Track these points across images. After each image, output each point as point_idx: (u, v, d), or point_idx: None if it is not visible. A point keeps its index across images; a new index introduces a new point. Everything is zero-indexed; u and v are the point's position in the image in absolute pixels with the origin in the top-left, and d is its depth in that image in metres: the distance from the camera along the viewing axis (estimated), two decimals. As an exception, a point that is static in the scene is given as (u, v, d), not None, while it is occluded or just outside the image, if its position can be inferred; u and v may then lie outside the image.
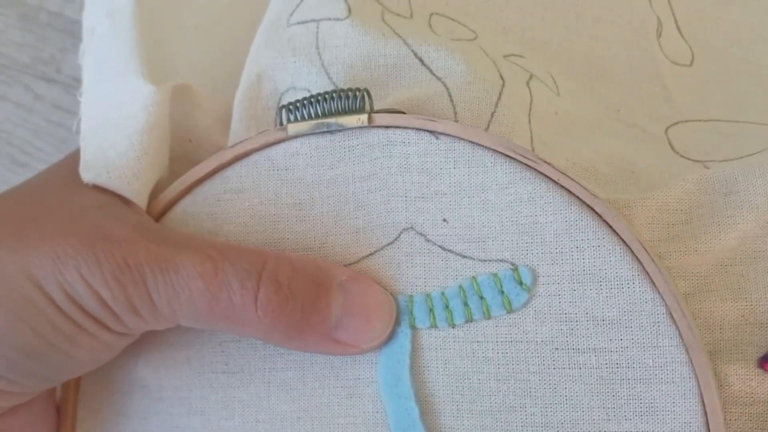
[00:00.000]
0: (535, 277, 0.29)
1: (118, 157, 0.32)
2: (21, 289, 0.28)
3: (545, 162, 0.29)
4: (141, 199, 0.33)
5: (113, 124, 0.33)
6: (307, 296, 0.29)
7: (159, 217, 0.34)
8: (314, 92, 0.32)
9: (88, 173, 0.32)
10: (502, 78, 0.33)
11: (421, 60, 0.34)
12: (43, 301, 0.28)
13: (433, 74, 0.33)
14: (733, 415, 0.29)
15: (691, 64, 0.42)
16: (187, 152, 0.36)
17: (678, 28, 0.43)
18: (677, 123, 0.38)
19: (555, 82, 0.37)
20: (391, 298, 0.30)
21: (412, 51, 0.34)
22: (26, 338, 0.28)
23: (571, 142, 0.34)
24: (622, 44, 0.41)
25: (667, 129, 0.37)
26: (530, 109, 0.33)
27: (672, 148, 0.36)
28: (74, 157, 0.33)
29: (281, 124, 0.32)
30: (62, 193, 0.32)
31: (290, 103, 0.32)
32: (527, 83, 0.35)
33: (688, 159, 0.34)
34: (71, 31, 0.45)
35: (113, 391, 0.33)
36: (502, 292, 0.30)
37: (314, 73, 0.34)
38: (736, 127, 0.37)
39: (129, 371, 0.33)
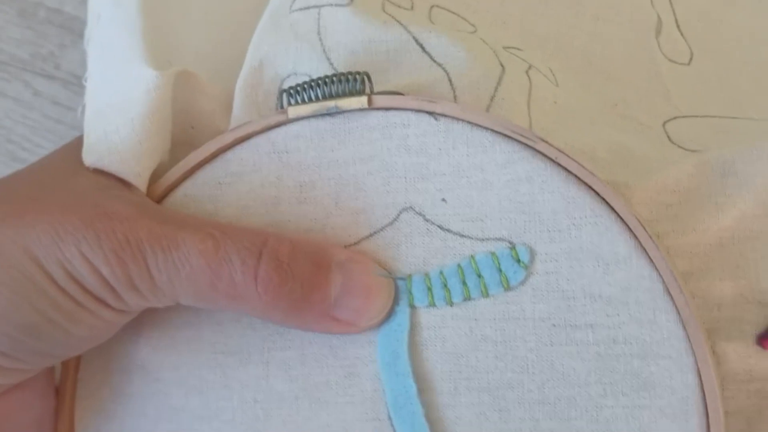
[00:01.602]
0: (532, 255, 0.30)
1: (120, 141, 0.33)
2: (20, 266, 0.28)
3: (543, 141, 0.30)
4: (141, 182, 0.33)
5: (116, 109, 0.33)
6: (306, 274, 0.29)
7: (160, 200, 0.34)
8: (315, 77, 0.33)
9: (90, 157, 0.33)
10: (501, 65, 0.34)
11: (422, 46, 0.34)
12: (43, 279, 0.28)
13: (434, 60, 0.34)
14: (732, 392, 0.29)
15: (689, 63, 0.42)
16: (190, 138, 0.37)
17: (678, 27, 0.43)
18: (675, 118, 0.38)
19: (554, 75, 0.38)
20: (390, 278, 0.31)
21: (413, 37, 0.34)
22: (26, 315, 0.28)
23: (570, 129, 0.34)
24: (620, 42, 0.42)
25: (664, 123, 0.38)
26: (529, 96, 0.34)
27: (669, 139, 0.36)
28: (76, 143, 0.34)
29: (282, 107, 0.33)
30: (63, 176, 0.32)
31: (291, 87, 0.32)
32: (526, 72, 0.35)
33: (685, 149, 0.35)
34: (70, 28, 0.46)
35: (112, 371, 0.33)
36: (500, 271, 0.30)
37: (315, 59, 0.35)
38: (735, 123, 0.37)
39: (128, 351, 0.33)
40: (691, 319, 0.28)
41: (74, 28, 0.45)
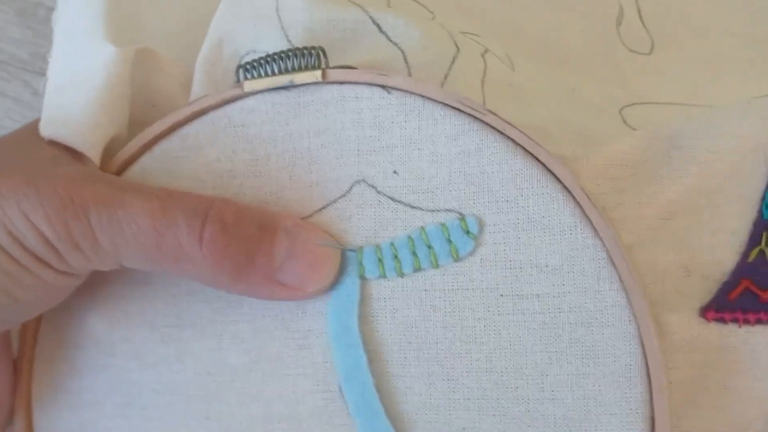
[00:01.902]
0: (481, 226, 0.30)
1: (75, 113, 0.33)
2: None
3: (492, 113, 0.30)
4: (95, 153, 0.33)
5: (75, 84, 0.34)
6: (251, 237, 0.30)
7: (117, 174, 0.34)
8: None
9: (46, 129, 0.33)
10: (457, 46, 0.34)
11: (378, 26, 0.34)
12: None
13: (390, 40, 0.34)
14: (676, 363, 0.30)
15: (650, 53, 0.43)
16: (151, 117, 0.37)
17: (641, 17, 0.44)
18: (632, 104, 0.39)
19: (510, 61, 0.38)
20: (338, 247, 0.31)
21: (371, 17, 0.35)
22: None
23: (523, 108, 0.34)
24: (579, 31, 0.42)
25: (621, 109, 0.38)
26: (484, 77, 0.34)
27: (625, 122, 0.37)
28: (36, 121, 0.34)
29: (238, 82, 0.33)
30: (18, 149, 0.33)
31: (247, 63, 0.33)
32: (482, 55, 0.36)
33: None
34: None
35: (68, 346, 0.33)
36: (450, 241, 0.30)
37: (274, 37, 0.35)
38: (691, 110, 0.37)
39: (82, 325, 0.33)
40: (634, 288, 0.28)
41: None
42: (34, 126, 0.34)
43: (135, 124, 0.36)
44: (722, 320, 0.30)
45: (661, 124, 0.34)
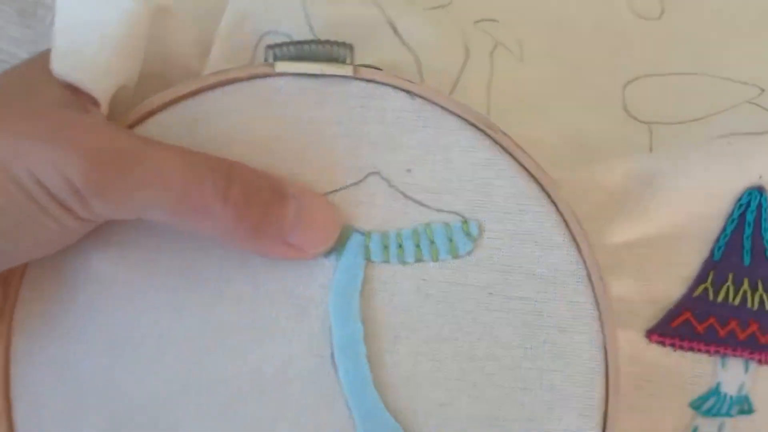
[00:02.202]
0: (481, 231, 0.34)
1: (89, 54, 0.33)
2: None
3: (504, 134, 0.34)
4: (104, 98, 0.34)
5: (90, 26, 0.34)
6: (268, 199, 0.32)
7: (131, 126, 0.35)
8: (294, 39, 0.36)
9: (58, 64, 0.33)
10: (467, 50, 0.38)
11: (394, 29, 0.38)
12: (9, 184, 0.29)
13: (404, 43, 0.38)
14: (619, 372, 0.35)
15: (660, 17, 0.46)
16: (161, 72, 0.38)
17: None
18: (636, 79, 0.43)
19: (521, 47, 0.42)
20: (336, 211, 0.34)
21: (388, 20, 0.38)
22: None
23: (526, 112, 0.38)
24: (591, 1, 0.45)
25: (625, 85, 0.42)
26: (490, 81, 0.38)
27: (624, 108, 0.41)
28: (44, 54, 0.34)
29: (266, 61, 0.35)
30: (27, 86, 0.33)
31: (278, 44, 0.35)
32: (490, 54, 0.39)
33: (637, 120, 0.40)
34: None
35: (64, 280, 0.34)
36: (451, 240, 0.34)
37: (297, 22, 0.37)
38: (694, 79, 0.41)
39: (84, 262, 0.34)
40: (605, 305, 0.33)
41: None
42: (40, 62, 0.34)
43: (144, 77, 0.37)
44: (662, 343, 0.35)
45: (659, 108, 0.39)
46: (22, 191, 0.29)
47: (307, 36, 0.37)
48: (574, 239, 0.34)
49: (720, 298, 0.36)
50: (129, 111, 0.35)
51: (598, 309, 0.33)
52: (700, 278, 0.36)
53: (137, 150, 0.30)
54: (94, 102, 0.34)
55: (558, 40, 0.43)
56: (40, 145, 0.29)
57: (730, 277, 0.36)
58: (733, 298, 0.36)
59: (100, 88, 0.34)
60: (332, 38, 0.36)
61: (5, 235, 0.30)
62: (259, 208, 0.32)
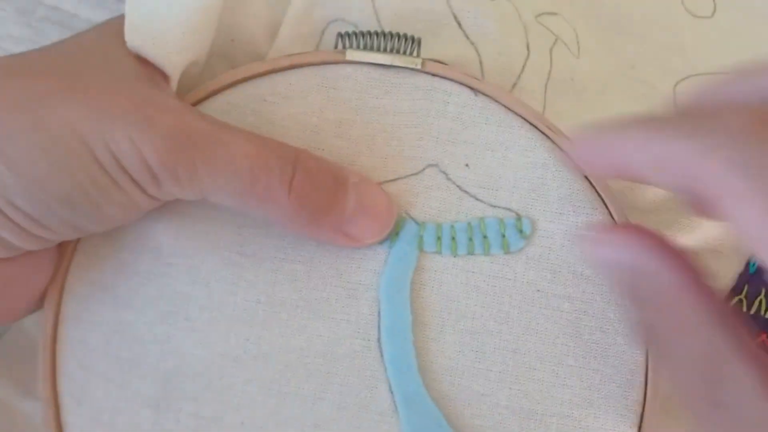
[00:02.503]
0: (534, 229, 0.35)
1: (163, 29, 0.34)
2: (66, 140, 0.29)
3: (565, 137, 0.35)
4: (175, 74, 0.35)
5: (163, 1, 0.35)
6: (330, 188, 0.33)
7: (200, 101, 0.36)
8: (361, 29, 0.36)
9: (131, 35, 0.34)
10: (528, 48, 0.39)
11: (459, 23, 0.39)
12: (87, 155, 0.29)
13: (468, 38, 0.38)
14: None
15: (712, 15, 0.46)
16: (228, 51, 0.39)
17: None
18: (687, 77, 0.44)
19: (578, 42, 0.42)
20: (393, 203, 0.35)
21: (453, 13, 0.39)
22: (65, 186, 0.30)
23: (580, 109, 0.39)
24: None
25: (676, 84, 0.43)
26: (548, 79, 0.39)
27: (676, 106, 0.42)
28: (115, 24, 0.35)
29: (337, 47, 0.36)
30: (104, 57, 0.34)
31: (350, 32, 0.36)
32: (550, 50, 0.40)
33: None
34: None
35: (121, 248, 0.35)
36: (504, 236, 0.35)
37: (365, 12, 0.38)
38: None
39: (144, 232, 0.35)
40: None
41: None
42: (111, 30, 0.34)
43: (211, 55, 0.38)
44: (699, 350, 0.36)
45: None
46: (98, 164, 0.30)
47: (373, 25, 0.38)
48: None
49: (753, 311, 0.37)
50: (196, 87, 0.36)
51: None
52: (736, 290, 0.37)
53: (212, 134, 0.31)
54: (165, 77, 0.35)
55: (612, 35, 0.44)
56: (119, 121, 0.29)
57: (763, 290, 0.37)
58: (765, 311, 0.37)
59: (172, 63, 0.34)
60: (398, 29, 0.37)
61: (75, 204, 0.30)
62: (321, 196, 0.33)
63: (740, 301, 0.37)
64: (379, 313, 0.35)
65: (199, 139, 0.31)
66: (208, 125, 0.31)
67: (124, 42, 0.34)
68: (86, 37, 0.35)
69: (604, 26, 0.44)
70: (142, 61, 0.34)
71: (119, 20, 0.34)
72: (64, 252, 0.35)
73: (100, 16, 0.44)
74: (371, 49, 0.36)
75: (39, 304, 0.36)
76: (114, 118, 0.30)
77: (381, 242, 0.35)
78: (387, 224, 0.35)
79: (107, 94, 0.30)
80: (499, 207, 0.35)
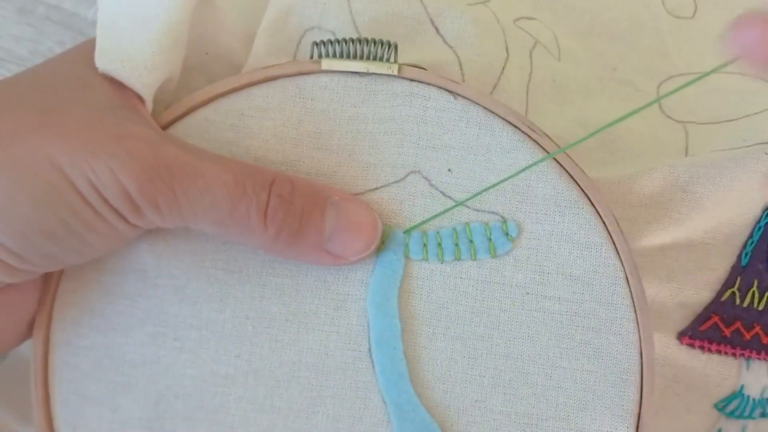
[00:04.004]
0: (520, 232, 0.35)
1: (133, 50, 0.34)
2: (47, 175, 0.29)
3: (546, 136, 0.35)
4: (148, 94, 0.34)
5: (133, 20, 0.35)
6: (304, 210, 0.33)
7: (176, 121, 0.36)
8: (339, 36, 0.36)
9: (102, 59, 0.33)
10: (507, 51, 0.38)
11: (436, 28, 0.38)
12: (68, 189, 0.29)
13: (446, 43, 0.38)
14: (653, 372, 0.36)
15: (693, 16, 0.46)
16: (203, 64, 0.38)
17: None
18: (670, 78, 0.43)
19: (558, 45, 0.42)
20: (377, 218, 0.34)
21: (430, 19, 0.38)
22: (48, 222, 0.30)
23: (563, 111, 0.39)
24: (626, 2, 0.46)
25: (660, 84, 0.43)
26: (529, 80, 0.39)
27: (659, 106, 0.42)
28: (84, 48, 0.35)
29: (312, 57, 0.36)
30: (76, 86, 0.33)
31: (324, 41, 0.35)
32: (530, 52, 0.40)
33: (672, 119, 0.40)
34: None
35: (106, 271, 0.35)
36: (490, 240, 0.34)
37: (342, 19, 0.38)
38: (725, 79, 0.42)
39: (129, 254, 0.35)
40: (642, 306, 0.34)
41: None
42: (81, 55, 0.34)
43: (186, 70, 0.38)
44: (692, 345, 0.36)
45: (693, 108, 0.39)
46: (79, 195, 0.30)
47: (351, 32, 0.38)
48: (612, 241, 0.34)
49: (746, 303, 0.37)
50: (173, 104, 0.36)
51: (635, 311, 0.34)
52: (728, 283, 0.36)
53: (190, 164, 0.31)
54: (140, 98, 0.35)
55: (592, 38, 0.43)
56: (99, 152, 0.29)
57: (756, 282, 0.37)
58: (758, 304, 0.37)
59: (145, 84, 0.34)
60: (376, 35, 0.37)
61: (58, 237, 0.30)
62: (296, 218, 0.32)
63: (733, 294, 0.36)
64: (368, 323, 0.34)
65: (178, 170, 0.31)
66: (185, 154, 0.31)
67: (95, 67, 0.34)
68: (57, 65, 0.35)
69: (586, 29, 0.44)
70: (115, 84, 0.34)
71: (89, 44, 0.34)
72: (49, 279, 0.35)
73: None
74: (347, 56, 0.35)
75: (27, 333, 0.35)
76: (93, 150, 0.29)
77: None
78: (371, 240, 0.34)
79: (84, 126, 0.30)
80: (483, 211, 0.35)
